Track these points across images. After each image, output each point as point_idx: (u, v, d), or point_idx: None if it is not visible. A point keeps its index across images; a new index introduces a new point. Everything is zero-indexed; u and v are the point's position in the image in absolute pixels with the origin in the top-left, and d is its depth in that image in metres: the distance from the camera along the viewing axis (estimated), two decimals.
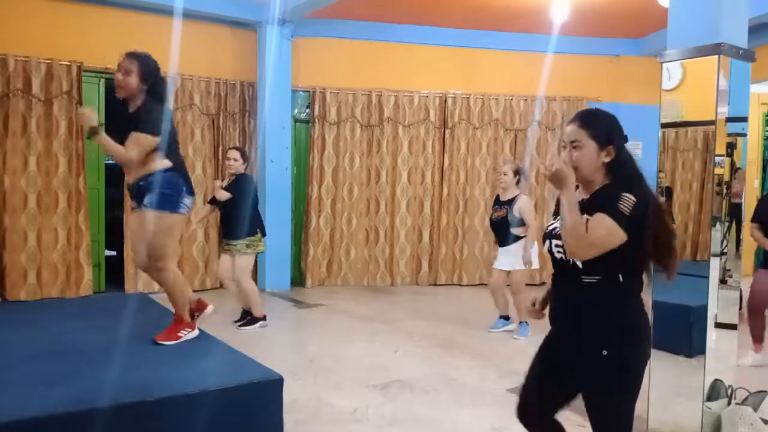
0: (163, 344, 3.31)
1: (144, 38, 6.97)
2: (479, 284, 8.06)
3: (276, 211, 7.52)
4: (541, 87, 7.90)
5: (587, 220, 1.94)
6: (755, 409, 3.12)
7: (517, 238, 5.40)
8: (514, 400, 3.89)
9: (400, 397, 3.94)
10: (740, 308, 5.65)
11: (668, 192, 3.35)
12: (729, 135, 3.12)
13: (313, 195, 7.87)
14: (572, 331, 2.07)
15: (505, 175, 5.45)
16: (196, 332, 3.53)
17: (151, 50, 6.92)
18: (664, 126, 3.30)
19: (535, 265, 5.49)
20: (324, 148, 7.90)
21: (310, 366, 4.59)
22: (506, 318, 5.70)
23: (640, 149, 8.60)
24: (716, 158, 3.09)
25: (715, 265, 3.15)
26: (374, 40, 7.93)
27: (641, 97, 8.03)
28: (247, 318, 5.63)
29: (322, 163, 7.90)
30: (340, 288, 7.87)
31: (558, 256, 2.06)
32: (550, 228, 2.12)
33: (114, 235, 7.26)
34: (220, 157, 7.53)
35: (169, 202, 3.32)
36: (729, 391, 3.19)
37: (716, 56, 3.01)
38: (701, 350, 3.12)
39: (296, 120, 8.00)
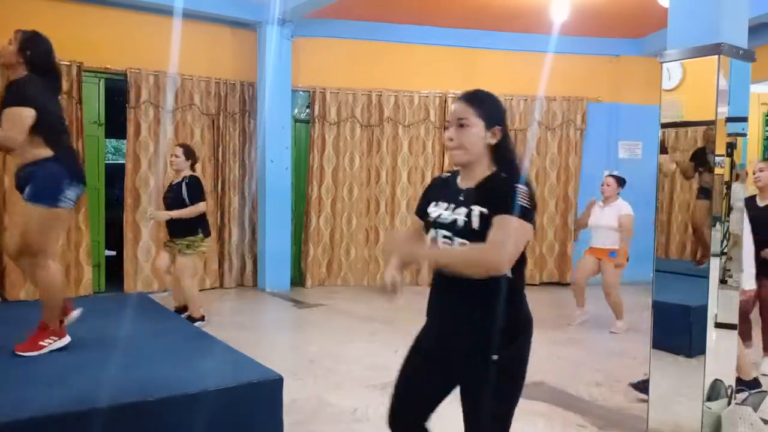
0: (23, 356, 3.03)
1: (144, 38, 6.99)
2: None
3: (276, 211, 7.53)
4: (541, 87, 7.90)
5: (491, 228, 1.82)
6: (755, 409, 3.12)
7: None
8: None
9: None
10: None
11: (707, 193, 3.31)
12: (729, 135, 3.12)
13: (313, 195, 7.87)
14: (456, 331, 1.94)
15: None
16: (65, 340, 3.21)
17: (151, 50, 6.89)
18: (664, 126, 3.30)
19: None
20: (324, 148, 7.91)
21: (310, 366, 4.59)
22: None
23: (641, 149, 8.63)
24: (716, 158, 3.09)
25: (715, 265, 3.15)
26: (374, 40, 7.93)
27: (641, 97, 8.05)
28: (185, 316, 5.34)
29: (322, 163, 7.90)
30: (340, 288, 7.87)
31: (444, 247, 1.92)
32: (435, 216, 1.96)
33: (114, 235, 7.26)
34: (219, 157, 7.54)
35: (48, 195, 3.06)
36: (729, 391, 3.19)
37: (716, 56, 3.01)
38: (701, 350, 3.12)
39: (296, 120, 8.00)
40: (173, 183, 5.36)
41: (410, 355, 2.09)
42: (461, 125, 1.92)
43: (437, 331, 2.02)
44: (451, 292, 1.95)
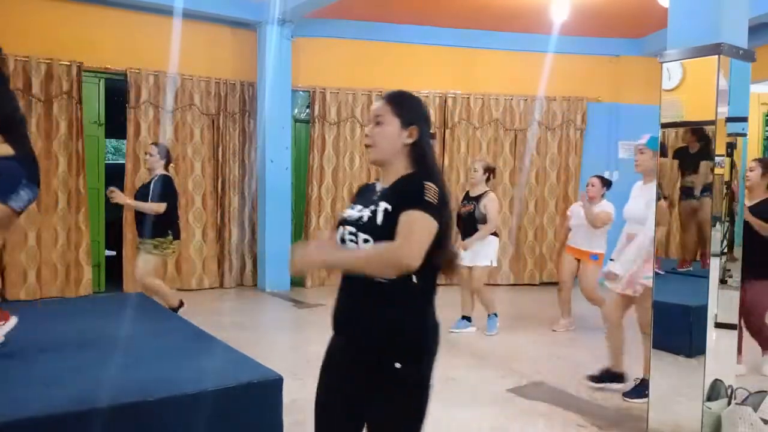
0: None
1: (144, 38, 6.99)
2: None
3: (276, 211, 7.52)
4: (541, 87, 7.91)
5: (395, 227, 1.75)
6: (755, 409, 3.12)
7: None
8: (513, 400, 3.92)
9: None
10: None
11: (689, 192, 3.30)
12: (729, 135, 3.12)
13: (313, 195, 7.87)
14: (357, 337, 1.86)
15: (475, 171, 5.61)
16: None
17: (151, 50, 6.92)
18: (664, 126, 3.30)
19: (494, 263, 5.65)
20: (324, 148, 7.90)
21: (309, 366, 4.57)
22: (468, 319, 5.71)
23: None
24: (716, 158, 3.09)
25: (715, 265, 3.15)
26: (374, 40, 7.93)
27: (641, 97, 8.04)
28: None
29: (322, 163, 7.90)
30: None
31: (351, 245, 1.84)
32: (345, 215, 1.92)
33: (114, 235, 7.26)
34: (219, 157, 7.54)
35: (2, 191, 2.99)
36: (729, 391, 3.19)
37: (716, 56, 3.01)
38: (701, 350, 3.12)
39: (296, 120, 8.00)
40: (146, 182, 5.26)
41: (322, 374, 2.05)
42: (377, 123, 1.90)
43: (342, 340, 1.97)
44: (354, 289, 1.87)
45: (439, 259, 1.82)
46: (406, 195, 1.78)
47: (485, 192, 5.55)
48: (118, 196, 5.13)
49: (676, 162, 3.58)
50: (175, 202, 5.18)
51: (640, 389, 3.86)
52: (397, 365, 1.78)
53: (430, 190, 1.76)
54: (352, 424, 1.96)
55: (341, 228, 1.89)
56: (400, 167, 1.90)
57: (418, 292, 1.81)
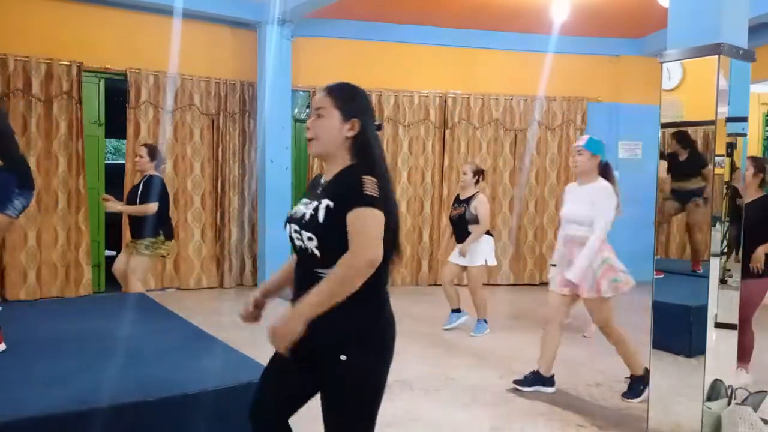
0: None
1: (144, 38, 6.99)
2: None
3: (276, 211, 7.51)
4: (541, 87, 7.91)
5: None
6: (755, 409, 3.11)
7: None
8: (513, 400, 3.92)
9: (400, 397, 3.93)
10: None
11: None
12: (729, 135, 3.12)
13: None
14: (310, 332, 1.78)
15: (465, 174, 5.66)
16: None
17: (151, 50, 6.93)
18: (664, 126, 3.30)
19: (491, 262, 5.66)
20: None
21: None
22: (458, 311, 5.78)
23: (641, 149, 8.63)
24: (716, 158, 3.09)
25: (715, 265, 3.15)
26: (374, 40, 7.93)
27: (641, 97, 8.05)
28: None
29: (321, 163, 7.87)
30: None
31: (297, 243, 1.88)
32: (291, 212, 1.95)
33: (113, 235, 7.26)
34: (219, 157, 7.53)
35: None
36: (729, 391, 3.19)
37: (716, 56, 3.01)
38: (701, 350, 3.12)
39: (296, 120, 8.00)
40: (136, 183, 5.23)
41: (275, 354, 2.04)
42: (319, 115, 1.90)
43: None
44: (307, 278, 1.87)
45: (386, 251, 1.79)
46: (347, 192, 1.78)
47: (475, 194, 5.61)
48: (111, 205, 5.11)
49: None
50: (166, 202, 5.15)
51: (636, 387, 3.89)
52: (343, 357, 1.78)
53: (370, 183, 1.76)
54: (293, 407, 2.03)
55: (288, 226, 1.92)
56: (342, 160, 1.90)
57: (365, 285, 1.76)
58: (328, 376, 1.82)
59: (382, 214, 1.76)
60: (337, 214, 1.78)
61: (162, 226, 5.09)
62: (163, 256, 5.41)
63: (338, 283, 1.73)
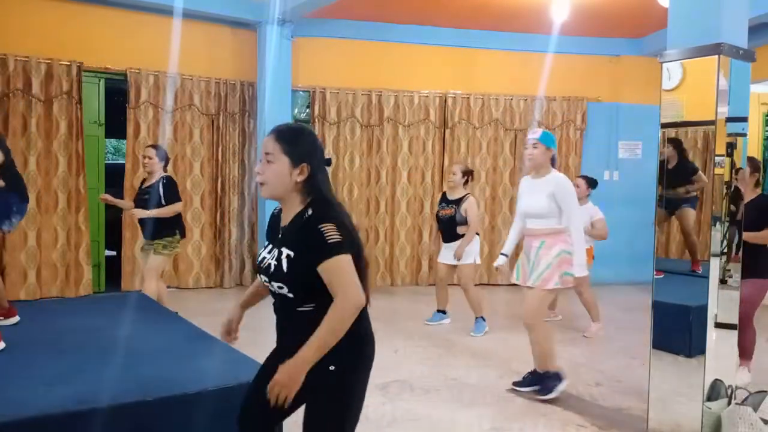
0: None
1: (144, 38, 6.99)
2: (478, 284, 8.05)
3: None
4: (541, 87, 7.91)
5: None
6: (755, 409, 3.12)
7: (461, 235, 5.61)
8: (514, 400, 3.92)
9: (400, 397, 3.93)
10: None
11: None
12: (729, 135, 3.12)
13: None
14: (291, 347, 1.88)
15: (454, 174, 5.66)
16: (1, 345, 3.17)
17: (151, 50, 6.91)
18: (664, 126, 3.30)
19: (478, 260, 5.76)
20: (324, 148, 7.89)
21: None
22: (443, 312, 5.89)
23: (641, 149, 8.63)
24: (716, 158, 3.09)
25: (715, 265, 3.16)
26: (374, 40, 7.92)
27: (641, 97, 8.05)
28: None
29: None
30: None
31: (270, 289, 1.99)
32: (259, 260, 2.02)
33: (113, 235, 7.26)
34: (219, 157, 7.53)
35: None
36: (729, 391, 3.19)
37: (716, 56, 3.01)
38: (701, 350, 3.12)
39: (296, 120, 8.00)
40: (147, 185, 5.23)
41: (264, 363, 2.16)
42: (268, 161, 1.92)
43: (280, 345, 2.10)
44: (286, 316, 2.00)
45: (359, 277, 1.87)
46: (310, 244, 1.82)
47: (465, 196, 5.63)
48: (140, 212, 5.12)
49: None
50: (178, 201, 5.19)
51: (548, 384, 3.87)
52: (331, 368, 1.85)
53: (330, 230, 1.81)
54: (279, 416, 2.09)
55: (259, 276, 2.03)
56: (296, 202, 1.94)
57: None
58: (315, 385, 1.86)
59: (348, 256, 1.82)
60: (298, 262, 1.86)
61: (177, 225, 5.19)
62: (178, 253, 5.55)
63: (332, 329, 1.81)
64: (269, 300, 2.10)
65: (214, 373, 2.84)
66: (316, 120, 7.83)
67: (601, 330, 5.67)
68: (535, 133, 3.92)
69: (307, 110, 8.00)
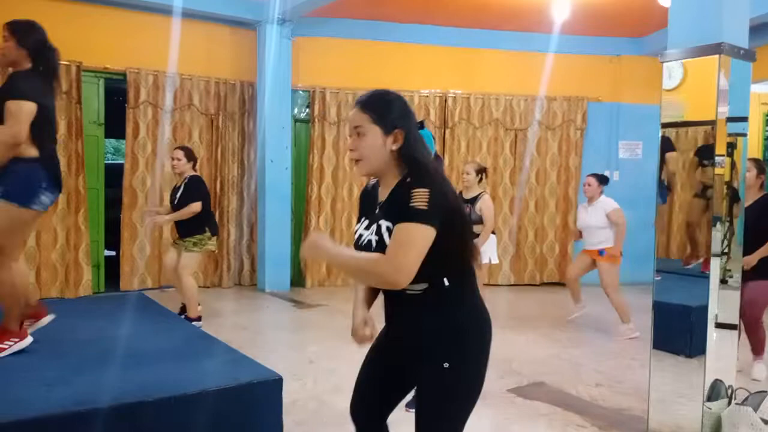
0: None
1: (144, 38, 6.98)
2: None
3: (276, 211, 7.52)
4: (542, 87, 7.91)
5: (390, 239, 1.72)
6: (755, 410, 3.11)
7: (477, 234, 5.57)
8: (514, 400, 3.91)
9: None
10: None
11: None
12: (729, 135, 3.12)
13: (313, 195, 7.87)
14: (406, 341, 1.86)
15: (467, 174, 5.65)
16: (27, 341, 3.13)
17: (150, 50, 6.87)
18: (665, 126, 3.30)
19: (495, 260, 5.68)
20: (324, 148, 7.90)
21: (310, 366, 4.59)
22: None
23: (641, 149, 8.63)
24: (717, 158, 3.08)
25: (715, 265, 3.15)
26: (374, 40, 7.92)
27: (642, 96, 8.05)
28: (183, 316, 5.42)
29: (322, 163, 7.90)
30: (340, 288, 7.86)
31: None
32: (356, 237, 1.89)
33: (113, 235, 7.26)
34: (218, 157, 7.53)
35: (22, 195, 2.98)
36: (729, 391, 3.19)
37: (717, 56, 3.01)
38: (701, 350, 3.12)
39: (296, 120, 8.00)
40: (177, 185, 5.44)
41: (369, 351, 2.08)
42: (358, 134, 1.82)
43: (388, 335, 1.99)
44: (393, 300, 1.88)
45: (465, 256, 1.79)
46: (398, 208, 1.70)
47: (480, 194, 5.61)
48: (159, 219, 5.36)
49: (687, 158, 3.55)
50: (207, 200, 5.38)
51: None
52: (446, 365, 1.76)
53: (419, 196, 1.67)
54: (390, 407, 2.05)
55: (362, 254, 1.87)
56: (394, 173, 1.82)
57: (454, 294, 1.78)
58: (427, 379, 1.80)
59: (428, 228, 1.66)
60: None
61: (207, 222, 5.33)
62: (212, 251, 5.64)
63: (358, 269, 1.75)
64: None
65: (214, 373, 2.84)
66: (316, 120, 7.83)
67: (632, 332, 5.56)
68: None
69: (307, 110, 7.99)
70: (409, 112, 1.85)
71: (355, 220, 7.97)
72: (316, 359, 4.76)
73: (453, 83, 8.20)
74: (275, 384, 2.82)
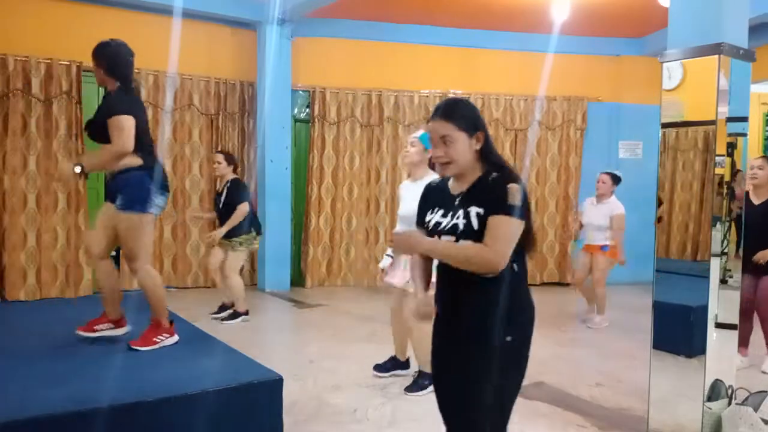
0: (138, 350, 3.23)
1: (144, 38, 6.96)
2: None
3: (276, 211, 7.52)
4: (542, 87, 7.90)
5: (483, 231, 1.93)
6: (755, 410, 3.12)
7: None
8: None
9: (400, 397, 3.93)
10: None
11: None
12: (729, 135, 3.12)
13: (313, 195, 7.87)
14: (471, 322, 2.02)
15: None
16: (175, 338, 3.40)
17: (151, 50, 6.90)
18: (665, 126, 3.30)
19: None
20: (324, 148, 7.90)
21: (310, 366, 4.59)
22: None
23: (641, 149, 8.63)
24: (717, 158, 3.08)
25: (715, 265, 3.15)
26: (374, 40, 7.92)
27: (642, 96, 8.04)
28: (230, 312, 5.82)
29: (322, 163, 7.90)
30: (340, 288, 7.87)
31: None
32: (434, 224, 2.06)
33: None
34: None
35: (138, 203, 3.25)
36: (729, 391, 3.19)
37: (717, 56, 3.00)
38: (702, 350, 3.12)
39: (296, 120, 8.00)
40: (220, 190, 5.72)
41: (432, 340, 2.20)
42: (445, 142, 2.00)
43: (444, 318, 2.12)
44: (461, 284, 2.02)
45: (530, 245, 2.04)
46: (494, 200, 1.92)
47: None
48: (216, 234, 5.55)
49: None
50: (249, 200, 5.63)
51: (421, 381, 3.97)
52: (508, 338, 1.97)
53: (514, 192, 1.91)
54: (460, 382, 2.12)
55: (437, 238, 2.03)
56: (475, 169, 2.03)
57: (519, 276, 2.02)
58: (479, 360, 1.98)
59: (521, 222, 1.93)
60: (486, 220, 1.94)
61: (252, 223, 5.61)
62: (256, 249, 5.95)
63: (466, 258, 1.94)
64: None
65: (214, 373, 2.84)
66: (316, 120, 7.83)
67: (605, 322, 5.89)
68: (416, 133, 3.96)
69: (307, 110, 7.99)
70: (480, 114, 2.09)
71: (355, 219, 8.00)
72: (316, 359, 4.76)
73: (453, 83, 8.19)
74: (275, 384, 2.82)
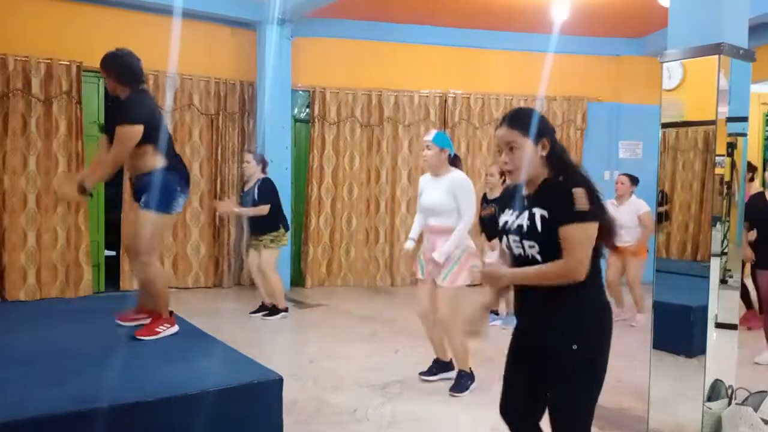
0: (143, 339, 3.33)
1: (144, 38, 6.96)
2: (479, 284, 8.05)
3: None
4: (542, 87, 7.90)
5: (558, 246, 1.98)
6: (755, 410, 3.12)
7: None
8: None
9: (400, 397, 3.93)
10: (749, 307, 5.67)
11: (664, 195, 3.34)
12: (729, 135, 3.12)
13: (313, 195, 7.87)
14: (538, 327, 2.11)
15: (491, 176, 5.75)
16: (176, 328, 3.51)
17: (151, 50, 6.88)
18: (665, 126, 3.30)
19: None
20: (324, 148, 7.90)
21: (310, 366, 4.59)
22: (496, 313, 5.86)
23: (641, 149, 8.63)
24: (717, 158, 3.09)
25: (715, 265, 3.15)
26: (374, 40, 7.92)
27: (642, 96, 8.04)
28: (267, 309, 6.05)
29: (322, 163, 7.90)
30: (340, 288, 7.87)
31: (516, 251, 2.10)
32: (503, 223, 2.16)
33: (113, 235, 7.26)
34: (218, 157, 7.53)
35: (164, 203, 3.33)
36: (729, 391, 3.19)
37: (717, 56, 3.01)
38: (702, 350, 3.12)
39: (296, 120, 8.00)
40: (248, 188, 5.89)
41: (509, 351, 2.26)
42: (512, 149, 2.06)
43: (522, 327, 2.20)
44: (529, 290, 2.08)
45: (603, 246, 2.07)
46: (559, 206, 1.97)
47: None
48: (234, 210, 5.92)
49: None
50: (278, 200, 5.85)
51: (463, 382, 4.01)
52: (574, 347, 1.99)
53: (580, 197, 1.94)
54: (534, 404, 2.19)
55: (505, 237, 2.14)
56: (542, 174, 2.08)
57: (591, 281, 2.02)
58: (562, 366, 2.02)
59: (593, 225, 1.97)
60: (551, 223, 1.99)
61: (281, 220, 5.85)
62: (285, 245, 6.09)
63: (540, 275, 2.00)
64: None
65: (213, 373, 2.84)
66: (316, 120, 7.83)
67: (645, 320, 5.86)
68: (429, 135, 4.00)
69: (307, 110, 7.99)
70: (547, 121, 2.13)
71: (355, 219, 8.00)
72: (316, 359, 4.76)
73: (453, 83, 8.20)
74: (275, 384, 2.82)
